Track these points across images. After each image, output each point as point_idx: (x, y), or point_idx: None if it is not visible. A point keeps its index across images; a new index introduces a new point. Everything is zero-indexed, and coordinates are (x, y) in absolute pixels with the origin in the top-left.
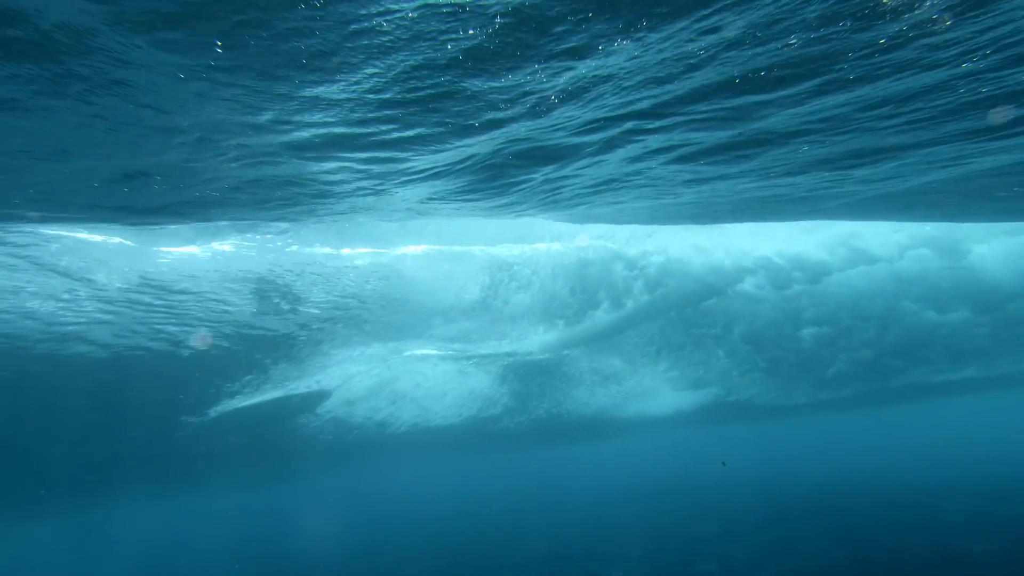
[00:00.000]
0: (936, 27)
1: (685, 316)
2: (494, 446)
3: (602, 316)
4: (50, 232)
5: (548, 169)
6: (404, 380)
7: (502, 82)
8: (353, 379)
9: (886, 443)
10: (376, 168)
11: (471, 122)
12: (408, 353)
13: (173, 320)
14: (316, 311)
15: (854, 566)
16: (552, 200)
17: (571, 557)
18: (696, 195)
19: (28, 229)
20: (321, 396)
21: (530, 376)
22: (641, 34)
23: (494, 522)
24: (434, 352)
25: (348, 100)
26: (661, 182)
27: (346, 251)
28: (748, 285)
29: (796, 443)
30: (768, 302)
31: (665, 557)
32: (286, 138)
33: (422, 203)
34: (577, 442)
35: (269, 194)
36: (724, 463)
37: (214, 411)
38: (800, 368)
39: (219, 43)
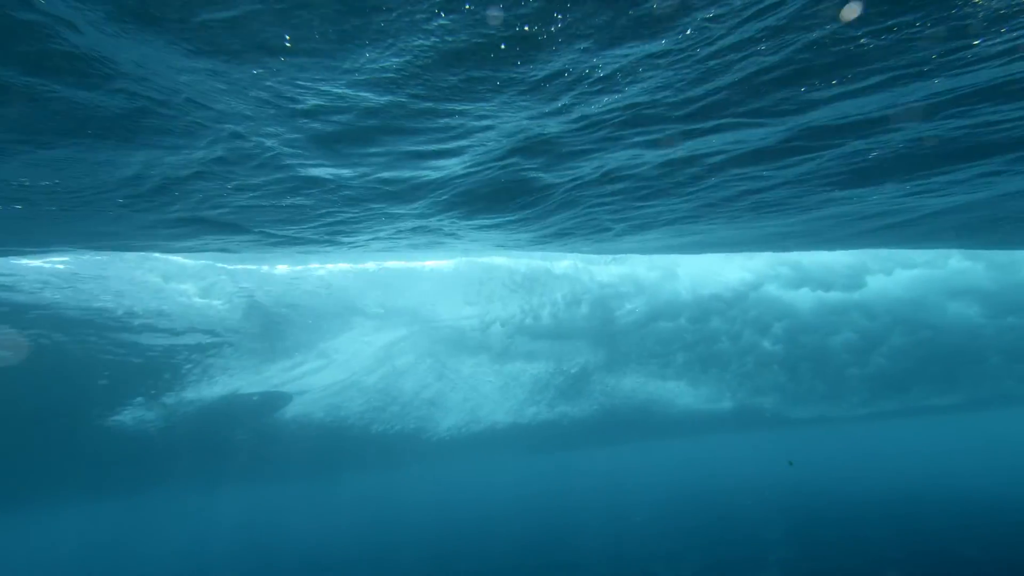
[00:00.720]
0: None
1: (722, 318)
2: (545, 444)
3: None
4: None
5: (583, 170)
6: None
7: (545, 69)
8: (396, 346)
9: (946, 451)
10: (406, 174)
11: (512, 113)
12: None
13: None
14: None
15: None
16: (595, 217)
17: (625, 558)
18: (754, 210)
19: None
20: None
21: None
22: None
23: (546, 521)
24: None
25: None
26: (715, 194)
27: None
28: (786, 291)
29: (849, 449)
30: (811, 308)
31: (723, 558)
32: (322, 130)
33: (455, 221)
34: (627, 440)
35: (315, 203)
36: (791, 462)
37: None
38: (843, 374)
39: (287, 37)
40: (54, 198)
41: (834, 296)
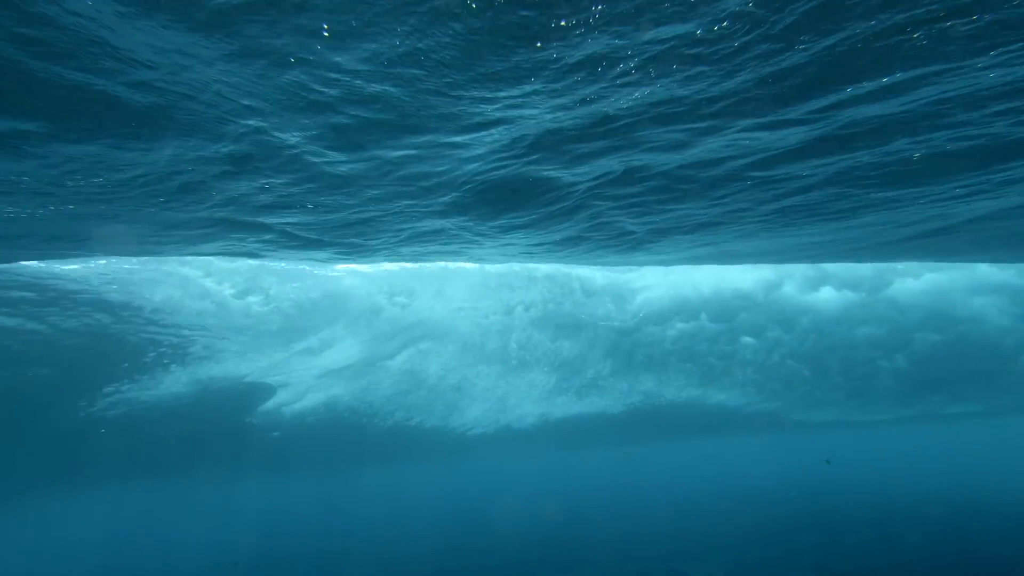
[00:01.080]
0: None
1: (741, 319)
2: (576, 439)
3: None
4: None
5: (607, 168)
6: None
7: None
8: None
9: (980, 457)
10: (427, 169)
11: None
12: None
13: None
14: None
15: None
16: (617, 220)
17: (657, 556)
18: (786, 214)
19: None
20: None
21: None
22: None
23: (578, 518)
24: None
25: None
26: (747, 197)
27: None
28: (808, 293)
29: (877, 453)
30: (834, 310)
31: (757, 560)
32: (347, 124)
33: (480, 222)
34: (667, 437)
35: (340, 203)
36: (828, 461)
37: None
38: (868, 377)
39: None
40: (101, 196)
41: (859, 299)
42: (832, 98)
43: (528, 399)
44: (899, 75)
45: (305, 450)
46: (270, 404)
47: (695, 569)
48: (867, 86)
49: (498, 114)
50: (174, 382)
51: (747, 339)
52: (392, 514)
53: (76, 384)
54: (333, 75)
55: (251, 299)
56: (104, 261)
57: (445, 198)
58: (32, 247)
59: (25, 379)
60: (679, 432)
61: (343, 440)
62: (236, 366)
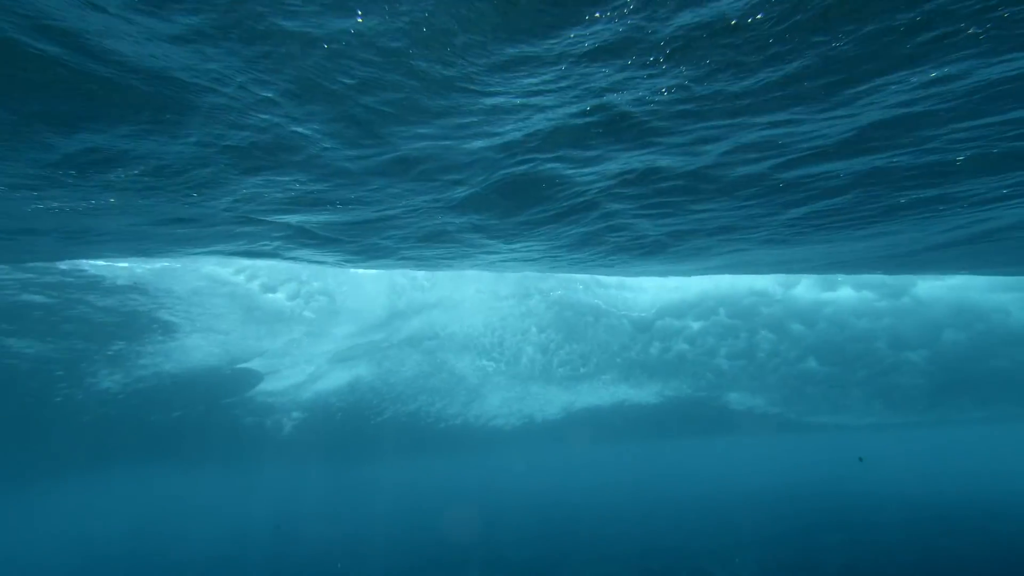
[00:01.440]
0: None
1: (756, 319)
2: (604, 433)
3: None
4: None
5: (627, 166)
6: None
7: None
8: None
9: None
10: (442, 163)
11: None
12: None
13: None
14: None
15: None
16: (635, 223)
17: (678, 553)
18: (816, 219)
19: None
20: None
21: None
22: None
23: (598, 513)
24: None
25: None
26: (775, 199)
27: None
28: (825, 293)
29: (910, 457)
30: (852, 311)
31: (781, 559)
32: (364, 117)
33: (499, 220)
34: (682, 435)
35: (358, 201)
36: (861, 458)
37: None
38: (890, 380)
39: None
40: (138, 188)
41: (878, 299)
42: (873, 96)
43: (550, 387)
44: (947, 69)
45: (325, 437)
46: (290, 384)
47: (718, 568)
48: (914, 81)
49: (519, 107)
50: (207, 356)
51: (765, 334)
52: (413, 508)
53: (104, 357)
54: (355, 63)
55: (280, 288)
56: (138, 262)
57: (465, 194)
58: (70, 244)
59: (60, 350)
60: (692, 430)
61: (365, 427)
62: (258, 343)
